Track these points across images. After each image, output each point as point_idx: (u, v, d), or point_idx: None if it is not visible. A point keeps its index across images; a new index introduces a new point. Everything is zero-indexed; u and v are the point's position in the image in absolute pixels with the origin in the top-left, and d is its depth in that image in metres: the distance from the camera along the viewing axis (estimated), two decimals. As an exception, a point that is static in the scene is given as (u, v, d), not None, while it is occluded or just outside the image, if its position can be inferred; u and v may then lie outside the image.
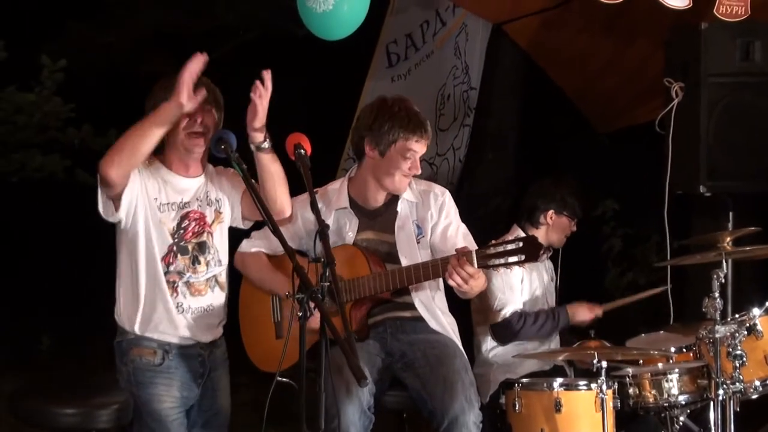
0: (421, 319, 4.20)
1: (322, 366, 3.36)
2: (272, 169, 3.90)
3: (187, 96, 3.61)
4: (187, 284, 3.90)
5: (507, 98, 7.08)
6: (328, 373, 3.36)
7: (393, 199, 4.27)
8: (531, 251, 3.79)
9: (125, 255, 3.89)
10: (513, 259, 3.81)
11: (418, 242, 4.21)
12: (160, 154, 3.93)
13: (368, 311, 4.16)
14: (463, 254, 3.87)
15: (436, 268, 3.96)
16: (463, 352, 4.19)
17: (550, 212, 4.98)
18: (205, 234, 3.95)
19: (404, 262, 4.14)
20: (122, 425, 3.82)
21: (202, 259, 3.93)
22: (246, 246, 4.30)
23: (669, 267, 5.12)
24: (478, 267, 3.86)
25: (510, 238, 4.89)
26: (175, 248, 3.88)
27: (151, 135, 3.67)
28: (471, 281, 3.88)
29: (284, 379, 3.52)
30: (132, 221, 3.83)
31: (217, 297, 3.98)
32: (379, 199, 4.27)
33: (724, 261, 4.38)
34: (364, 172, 4.27)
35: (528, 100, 7.22)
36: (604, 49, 6.23)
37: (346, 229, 4.22)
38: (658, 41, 5.43)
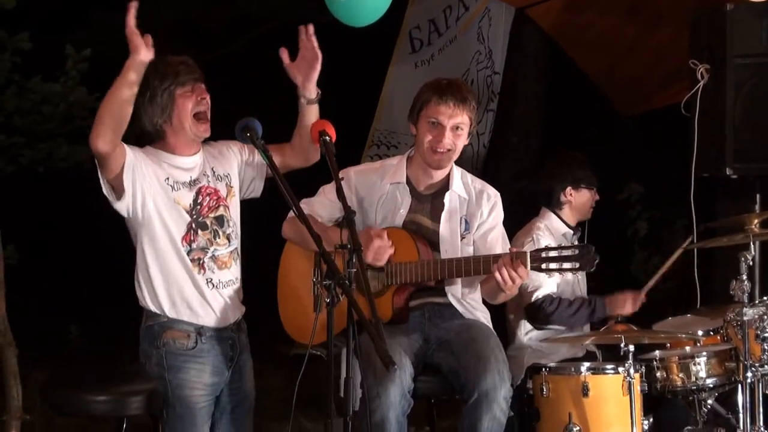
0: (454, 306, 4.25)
1: (349, 353, 3.38)
2: (314, 116, 3.97)
3: (143, 47, 3.65)
4: (214, 258, 3.92)
5: (531, 83, 7.07)
6: (353, 359, 3.38)
7: (443, 188, 4.28)
8: (587, 259, 3.86)
9: (143, 242, 3.88)
10: (567, 265, 3.89)
11: (462, 237, 4.23)
12: (159, 140, 3.93)
13: (409, 295, 4.19)
14: (517, 255, 3.91)
15: (487, 264, 3.99)
16: (496, 335, 4.21)
17: (568, 189, 4.99)
18: (222, 208, 3.97)
19: (444, 253, 4.17)
20: (152, 412, 3.84)
21: (221, 232, 3.94)
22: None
23: (696, 250, 5.10)
24: (531, 269, 3.91)
25: (541, 221, 4.96)
26: (194, 225, 3.89)
27: (126, 96, 3.67)
28: (517, 281, 3.93)
29: (317, 352, 3.56)
30: (143, 208, 3.83)
31: (239, 270, 4.01)
32: (429, 184, 4.28)
33: (751, 243, 4.37)
34: (415, 153, 4.30)
35: (552, 84, 7.20)
36: (629, 32, 6.20)
37: (400, 205, 4.24)
38: (683, 23, 5.40)
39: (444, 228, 4.22)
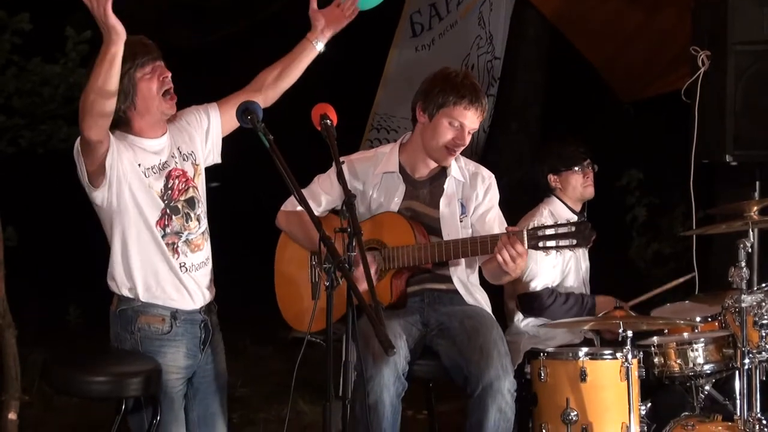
0: (456, 292, 4.25)
1: (348, 337, 3.38)
2: (308, 61, 4.06)
3: (119, 26, 3.50)
4: (187, 242, 3.89)
5: (531, 68, 7.07)
6: (352, 343, 3.38)
7: (440, 173, 4.29)
8: (583, 236, 3.84)
9: (120, 230, 3.85)
10: (564, 242, 3.87)
11: (460, 221, 4.23)
12: (124, 125, 3.86)
13: (407, 280, 4.20)
14: (513, 233, 3.92)
15: (484, 245, 4.00)
16: (498, 324, 4.22)
17: (550, 176, 4.97)
18: (191, 189, 3.94)
19: (446, 236, 4.17)
20: (151, 393, 3.85)
21: (193, 214, 3.92)
22: (290, 205, 4.33)
23: (694, 236, 5.10)
24: (528, 247, 3.90)
25: (545, 206, 4.96)
26: (168, 210, 3.87)
27: (113, 77, 3.58)
28: (518, 260, 3.92)
29: (315, 339, 3.56)
30: (119, 196, 3.80)
31: (209, 250, 3.99)
32: (426, 170, 4.28)
33: (750, 230, 4.36)
34: (415, 138, 4.29)
35: (552, 69, 7.20)
36: (631, 19, 6.20)
37: (393, 193, 4.25)
38: (684, 10, 5.39)
39: (444, 213, 4.22)
